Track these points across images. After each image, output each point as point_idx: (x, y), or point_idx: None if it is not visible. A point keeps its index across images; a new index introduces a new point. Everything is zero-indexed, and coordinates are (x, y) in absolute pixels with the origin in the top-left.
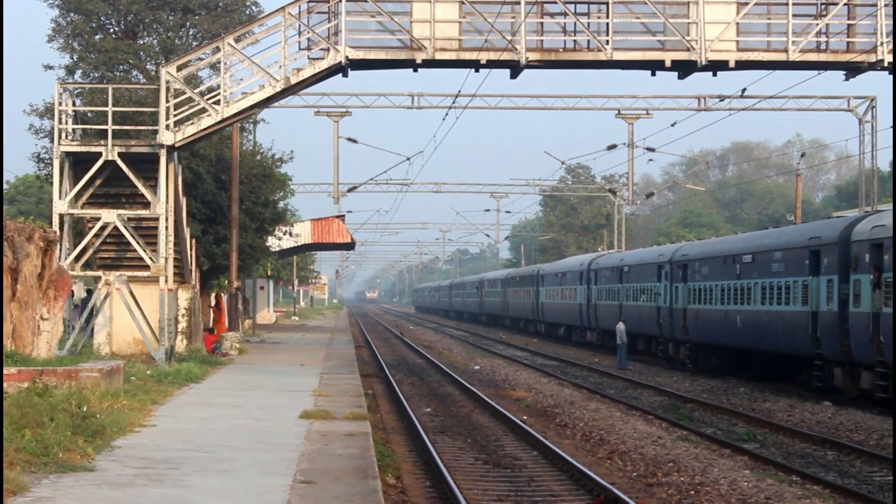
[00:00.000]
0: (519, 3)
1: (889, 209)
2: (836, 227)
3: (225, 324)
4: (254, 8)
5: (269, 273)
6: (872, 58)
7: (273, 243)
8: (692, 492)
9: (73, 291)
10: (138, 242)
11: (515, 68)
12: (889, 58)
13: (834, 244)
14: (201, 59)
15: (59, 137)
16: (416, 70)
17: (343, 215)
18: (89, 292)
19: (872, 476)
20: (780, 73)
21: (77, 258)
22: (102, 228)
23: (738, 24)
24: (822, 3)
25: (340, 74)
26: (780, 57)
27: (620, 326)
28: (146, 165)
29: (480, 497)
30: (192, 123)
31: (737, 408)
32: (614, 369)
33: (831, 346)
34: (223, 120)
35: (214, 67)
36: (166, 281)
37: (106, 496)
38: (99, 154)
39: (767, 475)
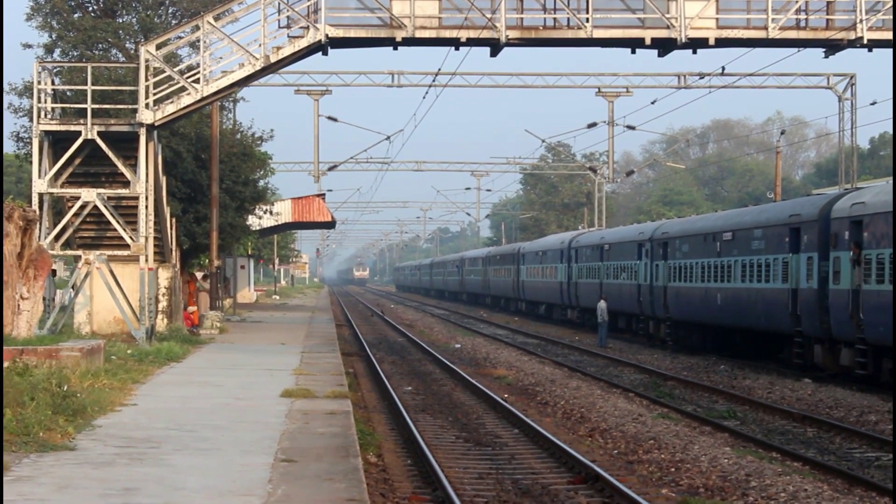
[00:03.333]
0: None
1: (868, 186)
2: (816, 205)
3: (194, 304)
4: None
5: (249, 252)
6: (852, 35)
7: (253, 222)
8: (673, 469)
9: (54, 271)
10: (118, 221)
11: (495, 46)
12: (869, 35)
13: (814, 221)
14: (181, 38)
15: (39, 116)
16: (396, 48)
17: (323, 194)
18: (54, 272)
19: (852, 452)
20: (760, 50)
21: (57, 237)
22: (82, 207)
23: (717, 1)
24: None
25: (320, 53)
26: (760, 34)
27: (601, 304)
28: (126, 144)
29: (461, 475)
30: (172, 102)
31: (717, 385)
32: (595, 347)
33: (811, 323)
34: (203, 98)
35: (194, 46)
36: (146, 260)
37: (87, 475)
38: (78, 133)
39: (748, 452)
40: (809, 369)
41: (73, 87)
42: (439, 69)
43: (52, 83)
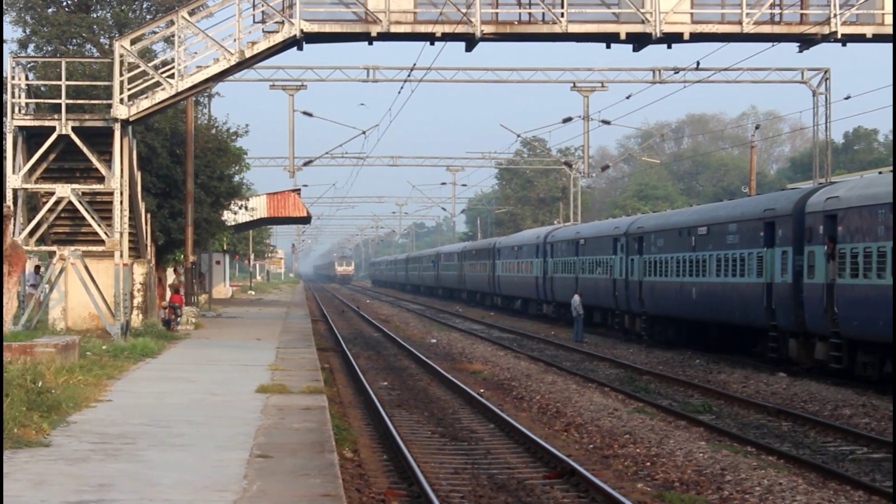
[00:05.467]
0: None
1: (843, 181)
2: (791, 199)
3: (164, 299)
4: None
5: (224, 247)
6: (826, 30)
7: (229, 217)
8: (648, 463)
9: (38, 266)
10: (93, 217)
11: (471, 41)
12: (843, 29)
13: (788, 216)
14: (155, 33)
15: (12, 112)
16: (371, 43)
17: (299, 189)
18: (37, 269)
19: (826, 446)
20: (735, 45)
21: (31, 233)
22: (57, 203)
23: None
24: None
25: (295, 48)
26: (735, 29)
27: (576, 299)
28: (100, 140)
29: (437, 470)
30: (147, 97)
31: (692, 379)
32: (571, 342)
33: (786, 317)
34: (178, 94)
35: (168, 41)
36: (121, 256)
37: (62, 471)
38: (52, 128)
39: (723, 446)
40: (784, 363)
41: (47, 83)
42: (414, 64)
43: (26, 78)
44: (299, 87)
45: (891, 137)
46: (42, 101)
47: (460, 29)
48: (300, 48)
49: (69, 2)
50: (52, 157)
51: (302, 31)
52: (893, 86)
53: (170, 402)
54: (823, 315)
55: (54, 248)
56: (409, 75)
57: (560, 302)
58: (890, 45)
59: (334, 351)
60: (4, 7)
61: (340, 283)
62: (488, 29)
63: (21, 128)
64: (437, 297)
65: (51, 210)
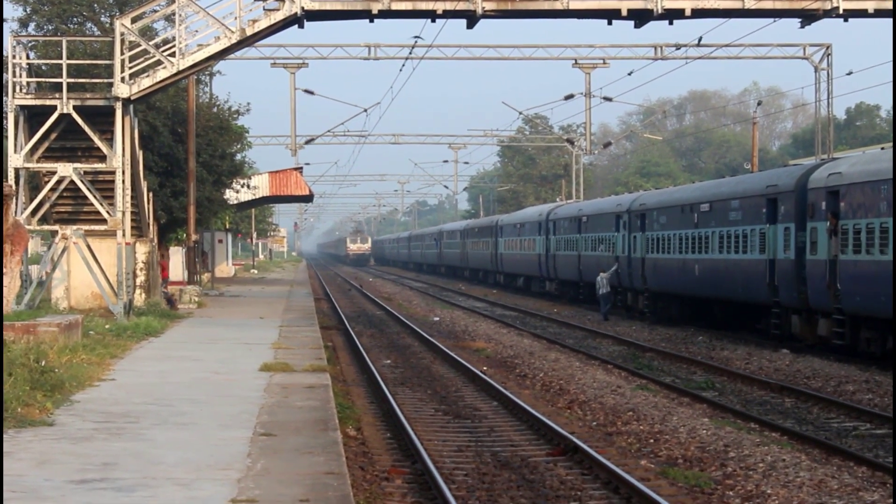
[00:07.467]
0: None
1: (845, 156)
2: (793, 175)
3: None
4: None
5: (227, 226)
6: (827, 5)
7: (231, 196)
8: (651, 440)
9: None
10: (95, 196)
11: (472, 18)
12: (844, 4)
13: (791, 192)
14: (156, 11)
15: (14, 91)
16: (372, 21)
17: (301, 167)
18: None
19: (829, 422)
20: (737, 21)
21: (33, 212)
22: (59, 182)
23: None
24: None
25: (296, 26)
26: (736, 5)
27: (601, 278)
28: (102, 119)
29: (441, 448)
30: (148, 76)
31: (695, 356)
32: (573, 319)
33: (788, 293)
34: (179, 72)
35: (169, 19)
36: (124, 235)
37: (65, 450)
38: (54, 107)
39: (726, 423)
40: (787, 340)
41: (48, 62)
42: (416, 41)
43: (27, 57)
44: (301, 65)
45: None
46: (43, 80)
47: (461, 6)
48: (301, 26)
49: None
50: (53, 136)
51: (303, 8)
52: (894, 62)
53: (173, 381)
54: (826, 291)
55: (56, 227)
56: (410, 53)
57: (562, 279)
58: (891, 20)
59: (337, 329)
60: None
61: (353, 266)
62: (489, 6)
63: (22, 107)
64: (440, 275)
65: (53, 189)
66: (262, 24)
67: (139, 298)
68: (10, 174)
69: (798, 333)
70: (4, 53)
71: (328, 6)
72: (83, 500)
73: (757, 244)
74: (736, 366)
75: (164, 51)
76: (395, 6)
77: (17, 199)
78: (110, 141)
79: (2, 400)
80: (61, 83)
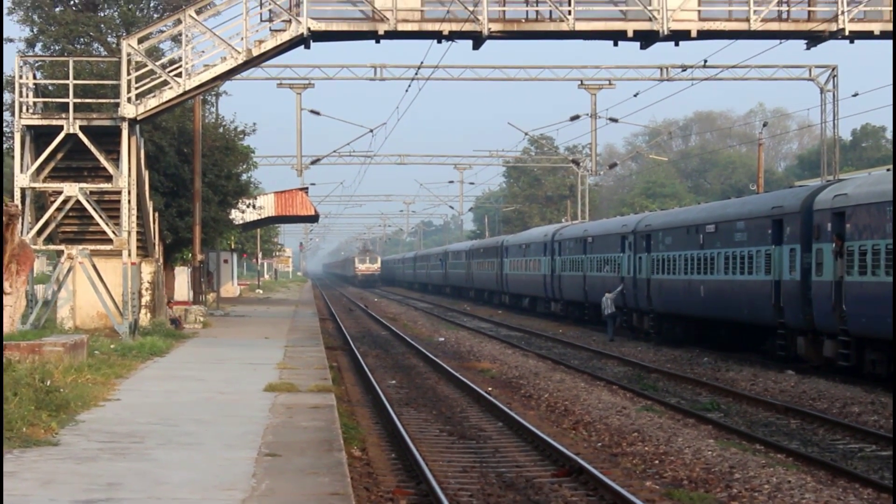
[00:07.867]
0: None
1: (851, 178)
2: (799, 197)
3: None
4: None
5: (232, 246)
6: (833, 27)
7: (236, 216)
8: (657, 461)
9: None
10: (101, 216)
11: (478, 39)
12: (850, 26)
13: (796, 213)
14: (162, 32)
15: (20, 111)
16: (378, 41)
17: (306, 188)
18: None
19: (835, 444)
20: (742, 42)
21: (39, 232)
22: (65, 202)
23: None
24: None
25: (303, 46)
26: (742, 26)
27: (606, 299)
28: (108, 139)
29: (446, 468)
30: (154, 96)
31: (701, 377)
32: (578, 339)
33: (794, 314)
34: (185, 92)
35: (176, 40)
36: (129, 254)
37: (70, 470)
38: (60, 128)
39: (731, 444)
40: (792, 361)
41: (54, 82)
42: (422, 62)
43: (34, 77)
44: (307, 86)
45: None
46: (50, 100)
47: (467, 27)
48: (307, 47)
49: (76, 1)
50: (59, 156)
51: (309, 29)
52: (893, 85)
53: (178, 401)
54: (832, 312)
55: (62, 247)
56: (416, 73)
57: (568, 300)
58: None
59: (342, 349)
60: (12, 6)
61: (361, 287)
62: (496, 27)
63: (29, 127)
64: (445, 295)
65: (59, 209)
66: (269, 44)
67: (144, 318)
68: (17, 194)
69: (803, 355)
70: (11, 73)
71: (334, 27)
72: None
73: (762, 265)
74: (741, 387)
75: (170, 71)
76: (402, 27)
77: (22, 218)
78: (116, 161)
79: (1, 425)
80: (68, 103)
